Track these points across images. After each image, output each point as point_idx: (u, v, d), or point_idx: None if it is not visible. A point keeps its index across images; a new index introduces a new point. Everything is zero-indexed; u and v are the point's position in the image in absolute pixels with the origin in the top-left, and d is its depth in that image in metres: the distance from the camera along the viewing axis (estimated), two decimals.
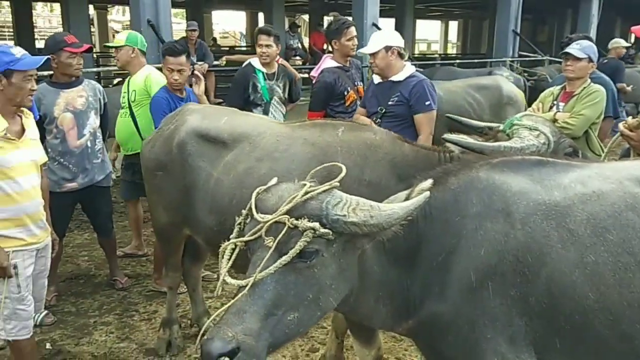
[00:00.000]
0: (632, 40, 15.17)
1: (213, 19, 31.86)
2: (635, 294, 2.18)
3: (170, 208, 4.10)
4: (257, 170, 3.47)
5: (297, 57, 15.91)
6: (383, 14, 13.14)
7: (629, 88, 9.76)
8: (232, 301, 2.13)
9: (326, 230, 2.15)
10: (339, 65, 5.56)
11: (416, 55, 25.10)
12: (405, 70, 4.84)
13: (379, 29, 10.90)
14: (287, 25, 18.76)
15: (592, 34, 14.84)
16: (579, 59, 4.96)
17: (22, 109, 3.66)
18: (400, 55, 4.85)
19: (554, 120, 4.58)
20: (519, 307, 2.25)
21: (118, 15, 37.60)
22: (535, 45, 16.25)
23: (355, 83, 5.63)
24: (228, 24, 38.74)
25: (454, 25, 38.60)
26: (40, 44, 19.73)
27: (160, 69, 5.65)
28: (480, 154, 3.12)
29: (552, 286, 2.22)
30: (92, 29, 22.77)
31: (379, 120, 4.74)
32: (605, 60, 9.97)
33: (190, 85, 5.48)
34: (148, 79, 5.58)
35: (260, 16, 25.03)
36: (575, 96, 4.99)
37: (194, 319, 4.84)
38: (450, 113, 5.28)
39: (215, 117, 4.00)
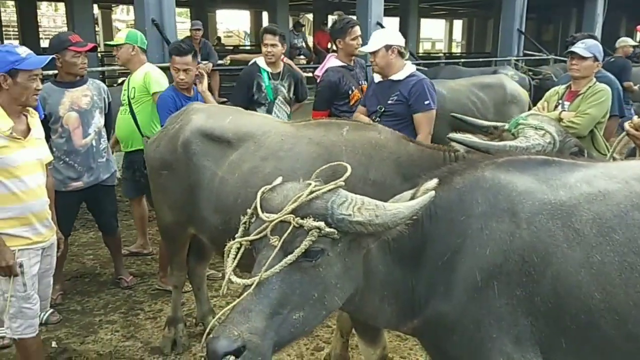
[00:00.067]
0: (638, 39, 15.12)
1: (217, 18, 31.87)
2: None
3: (175, 207, 4.11)
4: (262, 170, 3.48)
5: (302, 56, 15.88)
6: (387, 12, 13.12)
7: (636, 87, 9.73)
8: (238, 300, 2.13)
9: (331, 230, 2.15)
10: (343, 64, 5.55)
11: (421, 54, 25.05)
12: (406, 69, 4.84)
13: (383, 28, 10.89)
14: (291, 25, 18.73)
15: (597, 32, 14.79)
16: (584, 58, 4.95)
17: (27, 108, 3.68)
18: (401, 54, 4.85)
19: (559, 120, 4.57)
20: (524, 307, 2.24)
21: (122, 15, 37.66)
22: (540, 44, 16.21)
23: (360, 82, 5.62)
24: (232, 23, 38.84)
25: (458, 24, 38.49)
26: (44, 44, 19.77)
27: (163, 68, 5.67)
28: (485, 153, 3.11)
29: (557, 286, 2.21)
30: (97, 28, 22.85)
31: (378, 119, 4.73)
32: (612, 59, 9.95)
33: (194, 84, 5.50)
34: (147, 76, 5.63)
35: (265, 15, 25.04)
36: (580, 95, 4.98)
37: (199, 318, 4.85)
38: (454, 112, 5.30)
39: (220, 117, 4.00)
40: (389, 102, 4.78)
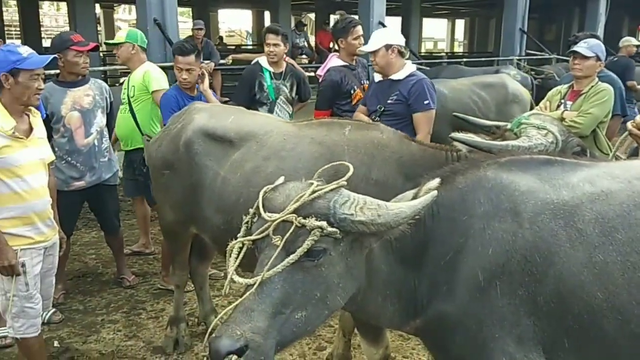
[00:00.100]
0: None
1: (219, 17, 31.87)
2: None
3: (177, 206, 4.11)
4: (264, 169, 3.48)
5: (304, 56, 15.90)
6: (389, 12, 13.11)
7: (639, 86, 9.72)
8: (240, 299, 2.13)
9: (334, 229, 2.15)
10: (345, 64, 5.55)
11: (423, 54, 25.03)
12: (406, 69, 4.83)
13: (385, 27, 10.88)
14: (293, 24, 18.74)
15: (600, 32, 14.76)
16: (586, 58, 4.95)
17: (29, 107, 3.68)
18: (401, 54, 4.84)
19: (562, 119, 4.56)
20: (527, 307, 2.24)
21: (124, 14, 37.62)
22: (542, 44, 16.18)
23: (362, 82, 5.61)
24: (234, 23, 38.74)
25: (460, 24, 38.44)
26: (47, 43, 19.77)
27: (164, 68, 5.67)
28: (488, 153, 3.11)
29: (560, 286, 2.21)
30: (99, 28, 22.82)
31: (377, 118, 4.72)
32: (616, 59, 9.95)
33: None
34: (147, 74, 5.65)
35: (267, 15, 25.01)
36: (582, 95, 4.97)
37: (201, 317, 4.85)
38: (455, 111, 5.30)
39: (222, 116, 4.00)
40: (389, 101, 4.78)
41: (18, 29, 24.65)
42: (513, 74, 9.77)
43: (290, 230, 2.15)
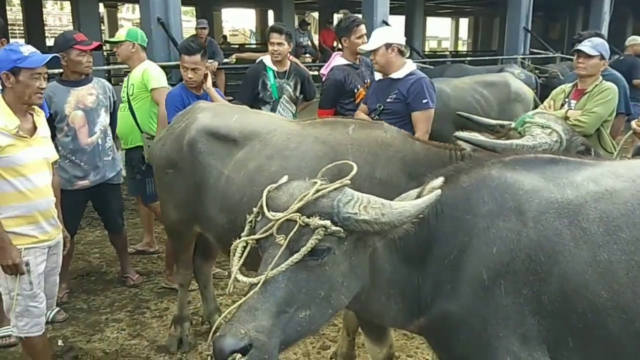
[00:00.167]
0: None
1: (223, 16, 31.89)
2: None
3: (180, 206, 4.11)
4: (268, 168, 3.48)
5: (307, 55, 15.88)
6: (393, 11, 13.11)
7: None
8: (244, 299, 2.13)
9: (337, 228, 2.14)
10: (348, 62, 5.55)
11: (427, 53, 24.99)
12: (405, 67, 4.83)
13: (388, 26, 10.88)
14: (296, 23, 18.73)
15: (604, 31, 14.73)
16: (590, 57, 4.93)
17: (33, 107, 3.68)
18: (401, 53, 4.84)
19: (566, 118, 4.56)
20: (531, 306, 2.24)
21: (128, 13, 37.68)
22: (546, 43, 16.16)
23: (365, 81, 5.61)
24: (238, 22, 38.76)
25: (464, 23, 38.38)
26: (50, 42, 19.81)
27: (168, 67, 5.67)
28: (492, 151, 3.10)
29: (564, 285, 2.20)
30: (102, 27, 22.84)
31: (377, 117, 4.73)
32: (622, 57, 9.93)
33: None
34: (146, 73, 5.66)
35: (270, 14, 25.04)
36: (587, 94, 4.96)
37: (205, 317, 4.85)
38: (458, 109, 5.29)
39: (225, 115, 4.00)
40: (388, 100, 4.77)
41: (22, 28, 24.68)
42: (517, 73, 9.76)
43: (294, 230, 2.14)
